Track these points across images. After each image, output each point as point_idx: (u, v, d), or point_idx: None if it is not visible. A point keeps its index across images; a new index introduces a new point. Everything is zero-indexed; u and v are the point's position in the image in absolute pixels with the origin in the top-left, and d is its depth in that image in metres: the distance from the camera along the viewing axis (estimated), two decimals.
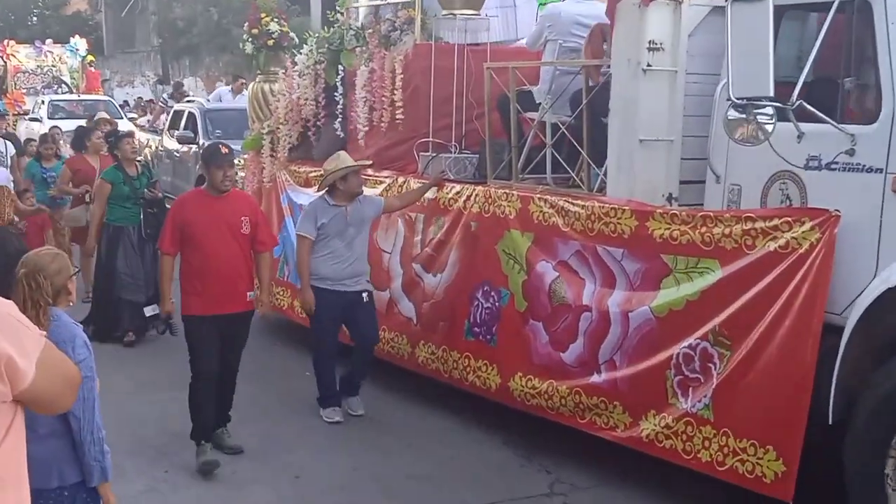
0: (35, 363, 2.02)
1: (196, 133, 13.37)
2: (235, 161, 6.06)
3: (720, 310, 4.56)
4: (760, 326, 4.38)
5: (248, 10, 9.66)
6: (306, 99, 7.80)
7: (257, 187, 8.35)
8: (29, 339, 2.05)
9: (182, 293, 5.50)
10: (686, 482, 4.93)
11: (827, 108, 4.33)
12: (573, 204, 5.40)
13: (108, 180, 7.91)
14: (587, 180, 5.61)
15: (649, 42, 5.07)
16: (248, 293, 5.53)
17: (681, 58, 5.13)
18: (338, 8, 7.84)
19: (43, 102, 20.87)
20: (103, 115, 14.33)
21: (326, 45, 7.66)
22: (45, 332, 2.20)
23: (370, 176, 6.87)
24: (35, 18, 36.94)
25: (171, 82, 27.76)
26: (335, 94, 7.58)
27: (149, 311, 7.62)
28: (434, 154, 6.69)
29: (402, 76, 6.92)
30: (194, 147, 13.09)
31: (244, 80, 14.02)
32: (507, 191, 5.89)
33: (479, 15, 6.93)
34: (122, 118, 18.71)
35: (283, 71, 8.19)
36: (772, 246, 4.41)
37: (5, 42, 23.89)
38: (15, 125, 19.49)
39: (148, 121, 19.28)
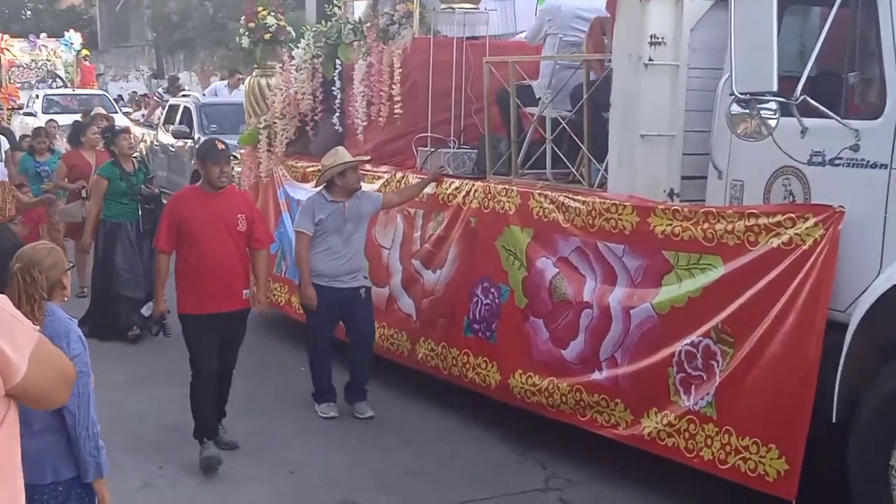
0: (28, 358, 2.00)
1: (191, 128, 13.32)
2: (234, 155, 6.02)
3: (723, 307, 4.52)
4: (764, 324, 4.34)
5: (243, 3, 9.61)
6: (304, 93, 7.74)
7: (254, 182, 8.31)
8: (22, 333, 2.03)
9: (178, 291, 5.45)
10: (687, 480, 4.90)
11: (831, 103, 4.28)
12: (574, 200, 5.36)
13: (105, 176, 7.86)
14: (588, 176, 5.57)
15: (651, 36, 5.03)
16: (244, 291, 5.48)
17: (682, 52, 5.09)
18: (335, 2, 7.79)
19: (37, 97, 20.82)
20: (100, 110, 14.25)
21: (324, 40, 7.61)
22: (38, 327, 2.18)
23: (368, 171, 6.82)
24: (29, 12, 36.87)
25: (166, 76, 27.66)
26: (333, 88, 7.53)
27: (146, 310, 7.57)
28: (433, 149, 6.64)
29: (400, 70, 6.87)
30: (189, 142, 13.04)
31: (241, 75, 13.95)
32: (507, 186, 5.85)
33: (477, 9, 6.87)
34: (117, 112, 18.64)
35: (281, 65, 8.15)
36: (775, 242, 4.37)
37: None
38: (9, 120, 19.41)
39: (142, 115, 19.22)
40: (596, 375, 5.11)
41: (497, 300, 5.79)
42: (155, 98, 21.06)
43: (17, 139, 12.90)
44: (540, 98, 6.06)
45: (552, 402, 5.35)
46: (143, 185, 7.91)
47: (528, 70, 6.22)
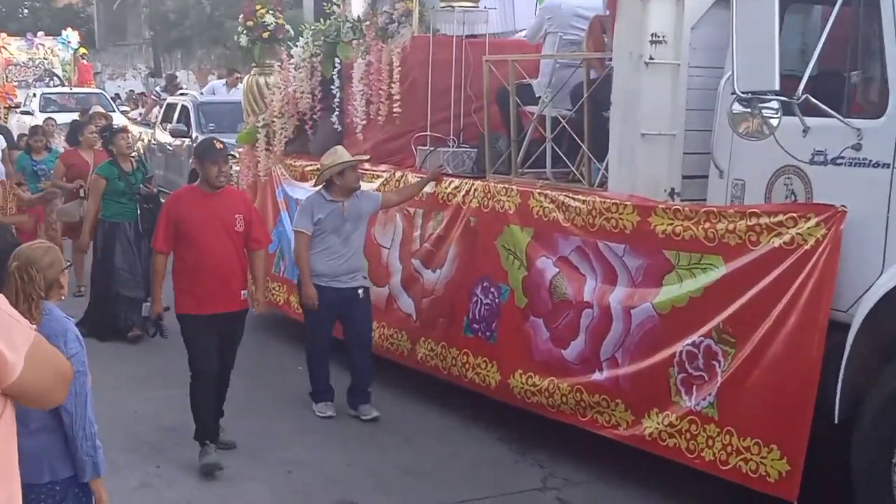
0: (24, 357, 1.98)
1: (189, 126, 13.29)
2: (232, 154, 5.99)
3: (724, 307, 4.50)
4: (765, 324, 4.32)
5: (241, 1, 9.57)
6: (302, 92, 7.72)
7: (252, 181, 8.28)
8: (18, 331, 2.01)
9: (175, 291, 5.41)
10: (687, 480, 4.88)
11: (833, 102, 4.27)
12: (574, 199, 5.33)
13: (104, 176, 7.83)
14: (588, 175, 5.55)
15: (651, 35, 5.01)
16: (242, 292, 5.45)
17: (683, 51, 5.07)
18: (334, 0, 7.76)
19: (35, 95, 20.76)
20: (98, 108, 14.21)
21: (323, 38, 7.58)
22: (35, 326, 2.16)
23: (367, 170, 6.80)
24: (26, 11, 36.81)
25: (164, 75, 27.63)
26: (332, 87, 7.51)
27: (145, 310, 7.54)
28: (432, 148, 6.61)
29: (399, 69, 6.84)
30: (187, 140, 13.01)
31: (239, 74, 13.92)
32: (507, 185, 5.83)
33: (477, 7, 6.85)
34: (114, 111, 18.59)
35: (279, 63, 8.11)
36: (776, 242, 4.35)
37: None
38: (6, 118, 19.36)
39: (139, 114, 19.17)
40: (596, 376, 5.08)
41: (497, 300, 5.77)
42: (152, 96, 21.03)
43: (15, 138, 12.85)
44: (540, 97, 6.03)
45: (552, 403, 5.33)
46: (141, 185, 7.88)
47: (528, 68, 6.20)
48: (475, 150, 6.48)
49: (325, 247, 6.03)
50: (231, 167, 6.06)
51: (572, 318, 5.24)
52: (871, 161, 4.20)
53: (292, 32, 8.61)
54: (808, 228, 4.25)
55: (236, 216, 5.40)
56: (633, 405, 4.90)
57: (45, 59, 23.40)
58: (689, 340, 4.63)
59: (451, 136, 6.65)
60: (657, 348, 4.78)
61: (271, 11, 8.51)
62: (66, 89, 21.96)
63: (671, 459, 4.76)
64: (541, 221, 5.50)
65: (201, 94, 16.46)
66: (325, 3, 8.13)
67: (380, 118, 7.00)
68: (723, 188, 4.84)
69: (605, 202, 5.13)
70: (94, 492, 3.30)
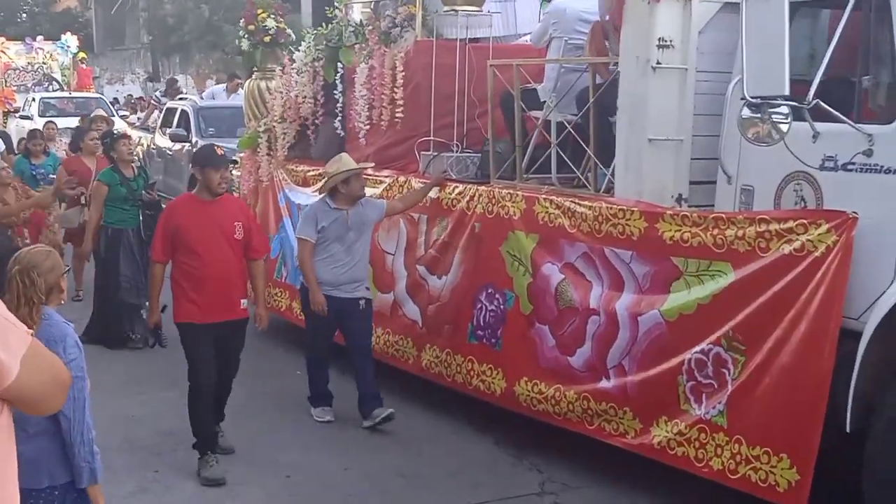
0: (20, 361, 1.95)
1: (189, 131, 13.24)
2: (234, 160, 5.93)
3: (733, 314, 4.44)
4: (776, 332, 4.27)
5: (239, 6, 9.55)
6: (304, 97, 7.68)
7: (253, 186, 8.23)
8: (14, 335, 1.98)
9: (175, 300, 5.34)
10: (685, 485, 4.83)
11: (844, 107, 4.21)
12: (580, 205, 5.28)
13: (105, 182, 7.77)
14: (594, 180, 5.50)
15: (659, 39, 4.96)
16: (242, 300, 5.39)
17: (691, 55, 5.02)
18: (336, 4, 7.71)
19: (34, 100, 20.71)
20: (100, 112, 14.15)
21: (325, 42, 7.54)
22: (32, 331, 2.12)
23: (370, 175, 6.73)
24: (25, 15, 36.80)
25: (163, 79, 27.58)
26: (334, 91, 7.47)
27: (144, 313, 7.49)
28: (435, 153, 6.57)
29: (402, 73, 6.80)
30: (187, 145, 12.96)
31: (240, 80, 13.88)
32: (511, 191, 5.78)
33: (480, 11, 6.81)
34: (114, 116, 18.55)
35: (281, 68, 8.06)
36: (786, 249, 4.30)
37: None
38: (5, 123, 19.31)
39: (138, 118, 19.11)
40: (603, 383, 5.03)
41: (502, 306, 5.71)
42: (151, 101, 20.98)
43: (14, 143, 12.80)
44: (545, 101, 5.99)
45: (559, 411, 5.27)
46: (143, 191, 7.82)
47: (533, 73, 6.16)
48: (479, 155, 6.43)
49: (328, 255, 5.98)
50: (231, 173, 6.00)
51: (578, 325, 5.19)
52: (882, 167, 4.15)
53: (294, 37, 8.57)
54: (819, 235, 4.20)
55: (236, 224, 5.34)
56: (641, 413, 4.85)
57: (43, 63, 23.38)
58: (698, 348, 4.58)
59: (455, 141, 6.61)
60: (665, 356, 4.73)
61: (273, 15, 8.46)
62: (66, 94, 21.94)
63: (680, 468, 4.70)
64: (546, 227, 5.45)
65: (201, 98, 16.42)
66: (326, 8, 8.08)
67: (382, 123, 6.96)
68: (731, 194, 4.78)
69: (611, 208, 5.08)
70: (91, 498, 3.28)
